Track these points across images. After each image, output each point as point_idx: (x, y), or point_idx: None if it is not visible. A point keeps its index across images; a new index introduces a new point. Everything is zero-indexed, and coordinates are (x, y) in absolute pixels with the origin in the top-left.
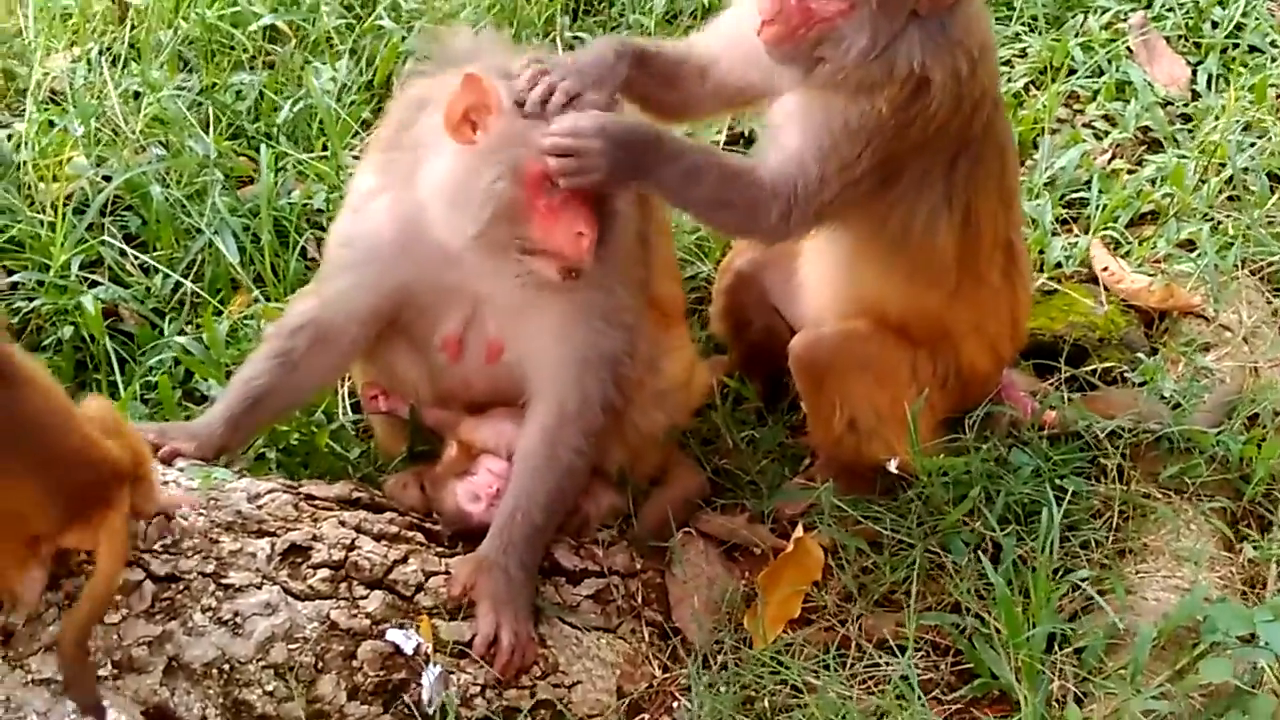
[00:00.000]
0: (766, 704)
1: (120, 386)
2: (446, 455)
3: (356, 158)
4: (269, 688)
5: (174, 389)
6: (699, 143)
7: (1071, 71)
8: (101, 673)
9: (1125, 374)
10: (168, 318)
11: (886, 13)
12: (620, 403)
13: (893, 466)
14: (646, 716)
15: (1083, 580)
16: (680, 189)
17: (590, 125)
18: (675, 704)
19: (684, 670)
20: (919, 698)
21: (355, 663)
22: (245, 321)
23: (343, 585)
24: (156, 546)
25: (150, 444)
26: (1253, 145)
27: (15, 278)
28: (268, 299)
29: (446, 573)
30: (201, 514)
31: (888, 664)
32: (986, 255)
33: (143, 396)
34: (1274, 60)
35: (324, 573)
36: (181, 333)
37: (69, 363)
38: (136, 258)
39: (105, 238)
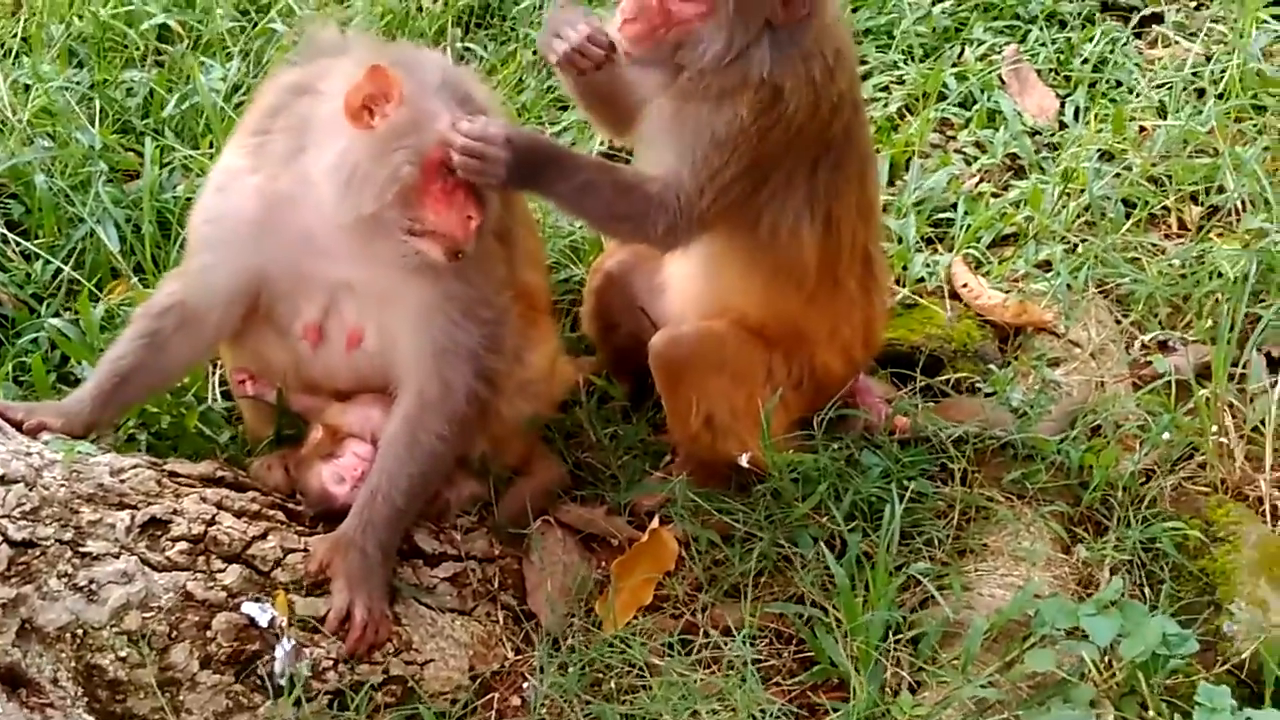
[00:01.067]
0: (614, 685)
1: None
2: (312, 438)
3: None
4: (122, 653)
5: (49, 372)
6: (595, 158)
7: (944, 99)
8: None
9: (977, 384)
10: (45, 303)
11: (743, 19)
12: (485, 393)
13: (744, 461)
14: (497, 695)
15: (922, 574)
16: (575, 201)
17: (498, 133)
18: (525, 684)
19: (536, 652)
20: (758, 680)
21: (209, 633)
22: (122, 308)
23: (201, 558)
24: (15, 513)
25: (16, 420)
26: (1114, 174)
27: None
28: (146, 286)
29: (305, 550)
30: (63, 484)
31: (731, 649)
32: (845, 263)
33: (15, 378)
34: (1136, 94)
35: (182, 545)
36: (57, 315)
37: None
38: (18, 244)
39: None
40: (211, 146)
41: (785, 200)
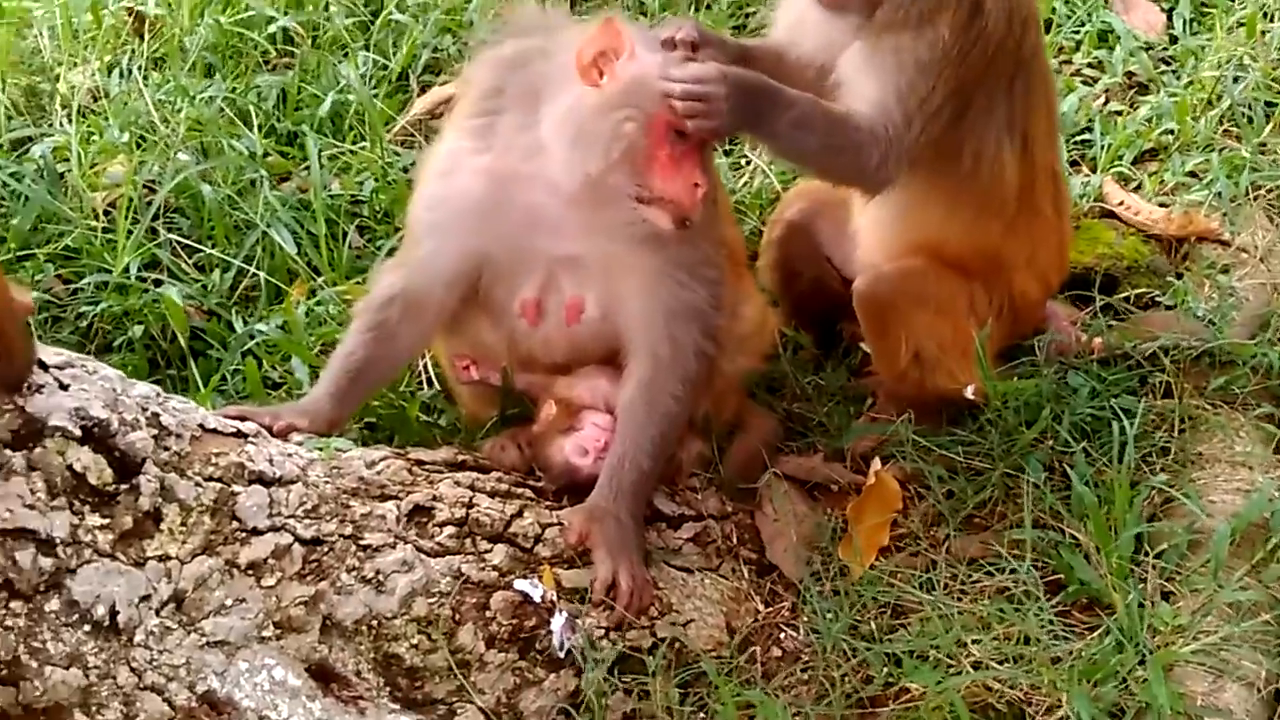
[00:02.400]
0: (872, 626)
1: (198, 379)
2: (545, 414)
3: (398, 150)
4: (414, 640)
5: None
6: (804, 93)
7: (1056, 26)
8: (265, 633)
9: (1156, 298)
10: (233, 310)
11: None
12: (712, 351)
13: (969, 393)
14: (757, 648)
15: (1160, 484)
16: (792, 137)
17: (715, 73)
18: (782, 635)
19: (785, 604)
20: (1016, 606)
21: (489, 613)
22: (316, 306)
23: (467, 541)
24: (299, 512)
25: (265, 425)
26: (1236, 80)
27: (83, 282)
28: (326, 286)
29: (560, 524)
30: (328, 481)
31: (980, 580)
32: (1041, 186)
33: (218, 388)
34: (1242, 4)
35: (449, 530)
36: (245, 322)
37: (142, 360)
38: (193, 255)
39: (159, 239)
40: (356, 141)
41: (986, 125)
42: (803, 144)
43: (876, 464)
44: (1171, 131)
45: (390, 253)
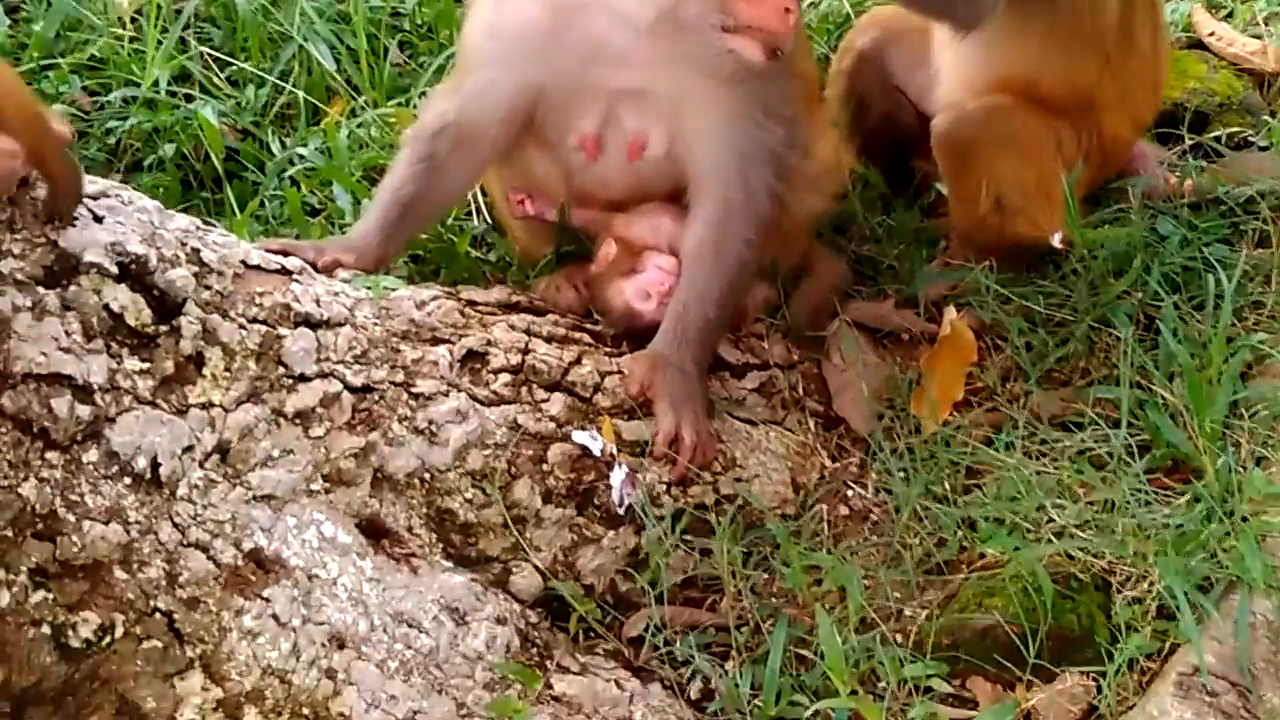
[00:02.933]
0: (947, 486)
1: (234, 204)
2: (604, 254)
3: None
4: (468, 495)
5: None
6: None
7: None
8: (314, 487)
9: (1249, 138)
10: (269, 130)
11: None
12: (785, 193)
13: (1057, 241)
14: (825, 506)
15: (1256, 344)
16: None
17: None
18: (850, 493)
19: (853, 460)
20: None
21: (546, 466)
22: (357, 129)
23: (523, 389)
24: (348, 358)
25: (309, 260)
26: None
27: (111, 95)
28: (366, 106)
29: (620, 373)
30: (377, 323)
31: (1060, 440)
32: (1140, 15)
33: (255, 214)
34: None
35: (504, 377)
36: (282, 144)
37: (174, 182)
38: (225, 69)
39: (190, 51)
40: None
41: None
42: None
43: (951, 312)
44: None
45: (437, 73)
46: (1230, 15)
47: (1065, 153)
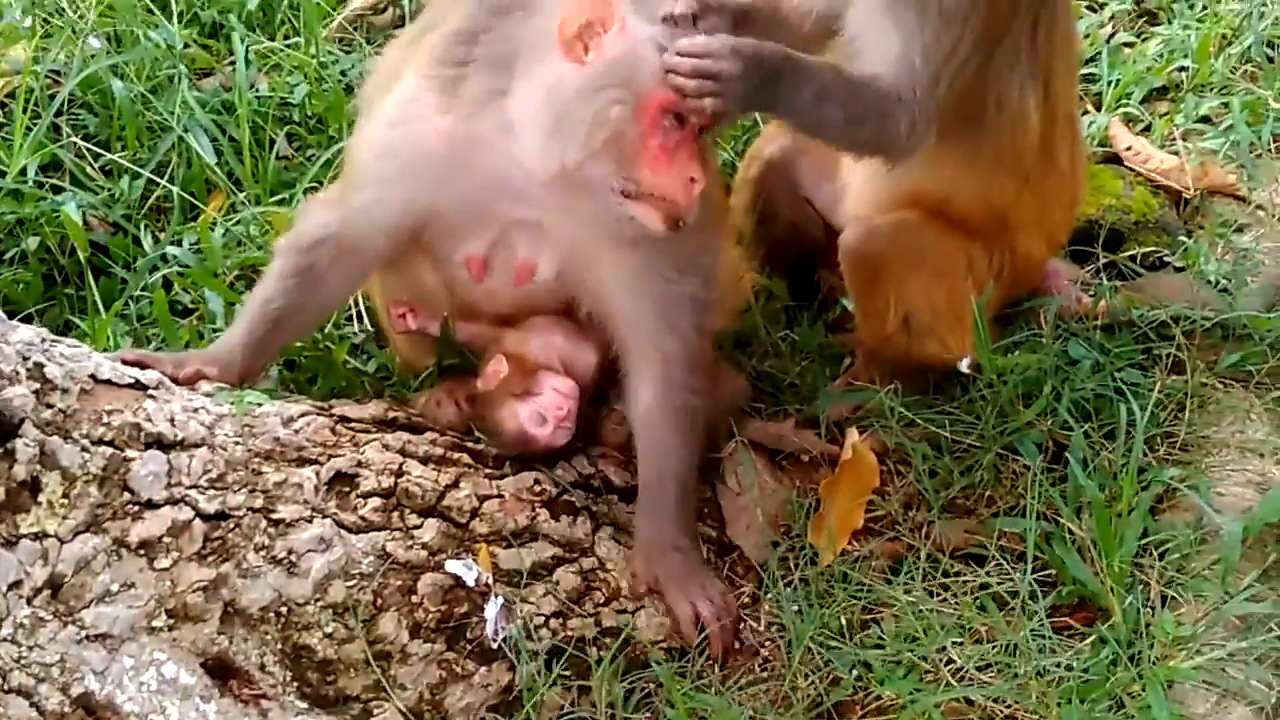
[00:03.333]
0: (843, 621)
1: (99, 302)
2: (493, 371)
3: (334, 50)
4: (329, 629)
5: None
6: (818, 58)
7: None
8: (156, 624)
9: (1164, 258)
10: (142, 225)
11: None
12: (710, 326)
13: (964, 366)
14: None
15: (1170, 478)
16: (812, 112)
17: (723, 45)
18: (741, 626)
19: (745, 590)
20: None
21: (415, 598)
22: (234, 226)
23: (395, 515)
24: (202, 481)
25: (168, 373)
26: (1260, 16)
27: None
28: (248, 202)
29: (500, 496)
30: (238, 442)
31: (963, 575)
32: (1060, 134)
33: (120, 312)
34: None
35: (374, 502)
36: (155, 238)
37: (36, 277)
38: (99, 159)
39: (62, 139)
40: (288, 37)
41: (1012, 71)
42: (824, 117)
43: (853, 434)
44: (1185, 69)
45: (325, 167)
46: (1148, 129)
47: (977, 272)
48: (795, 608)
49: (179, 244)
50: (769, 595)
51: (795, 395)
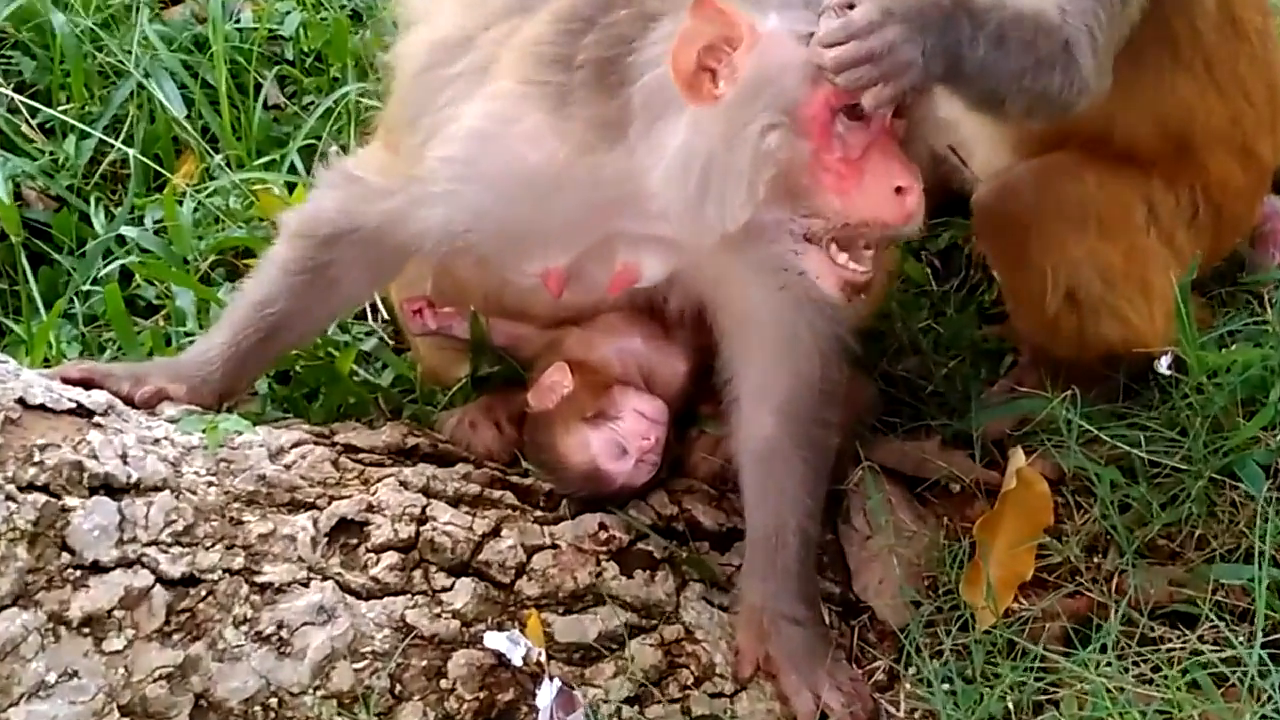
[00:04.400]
0: (1009, 705)
1: (38, 299)
2: (550, 383)
3: None
4: None
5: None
6: None
7: None
8: None
9: None
10: (92, 198)
11: None
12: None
13: (1164, 366)
14: None
15: None
16: (995, 64)
17: (877, 11)
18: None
19: (879, 664)
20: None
21: (445, 682)
22: (210, 198)
23: (417, 574)
24: (165, 536)
25: (122, 393)
26: None
27: None
28: (226, 167)
29: (554, 547)
30: (212, 482)
31: (1168, 640)
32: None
33: (65, 312)
34: None
35: (390, 558)
36: (134, 220)
37: None
38: (37, 115)
39: None
40: None
41: None
42: (1005, 70)
43: (1019, 456)
44: None
45: (324, 118)
46: None
47: (1161, 219)
48: (946, 687)
49: (139, 223)
50: (911, 671)
51: (941, 406)
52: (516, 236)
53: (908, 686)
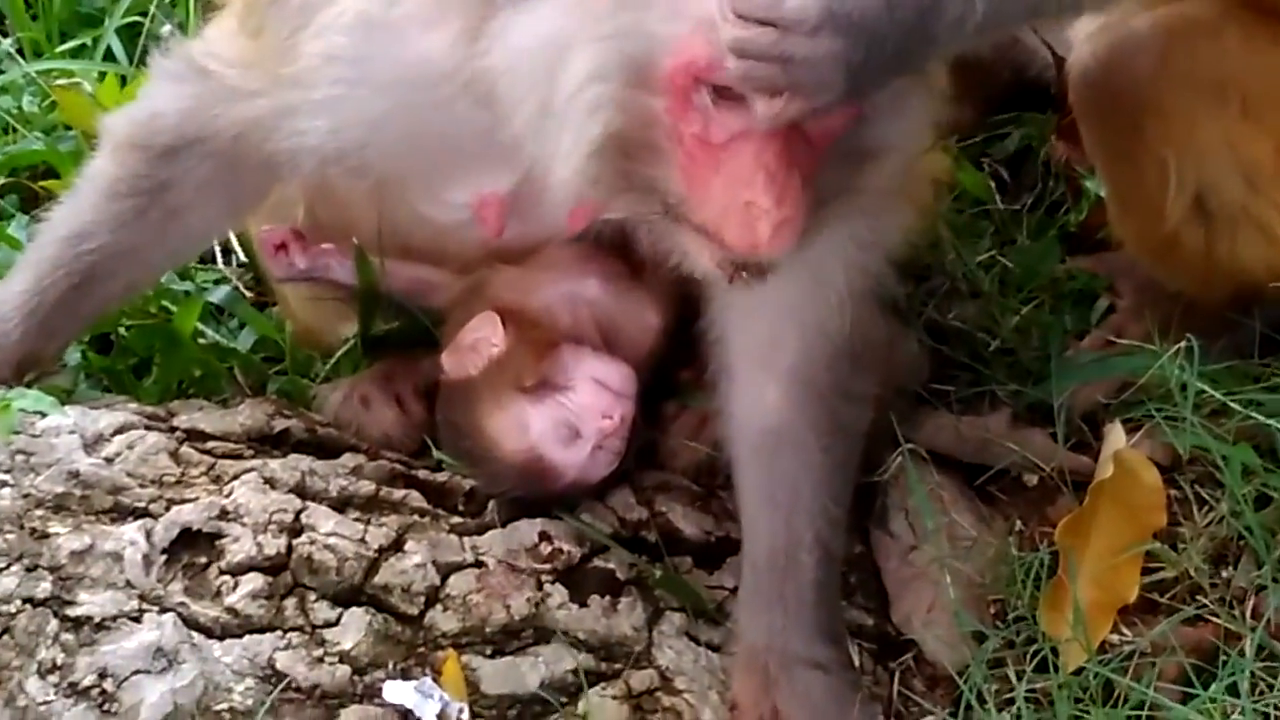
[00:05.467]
0: None
1: None
2: (475, 339)
3: None
4: None
5: None
6: None
7: None
8: None
9: None
10: None
11: None
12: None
13: None
14: None
15: None
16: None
17: (809, 9)
18: None
19: (929, 717)
20: None
21: None
22: None
23: (290, 603)
24: None
25: None
26: None
27: None
28: (18, 55)
29: (478, 564)
30: (6, 481)
31: None
32: None
33: None
34: None
35: (252, 582)
36: None
37: None
38: None
39: None
40: None
41: None
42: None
43: (1117, 435)
44: None
45: None
46: None
47: None
48: None
49: None
50: None
51: (1010, 368)
52: (428, 153)
53: None
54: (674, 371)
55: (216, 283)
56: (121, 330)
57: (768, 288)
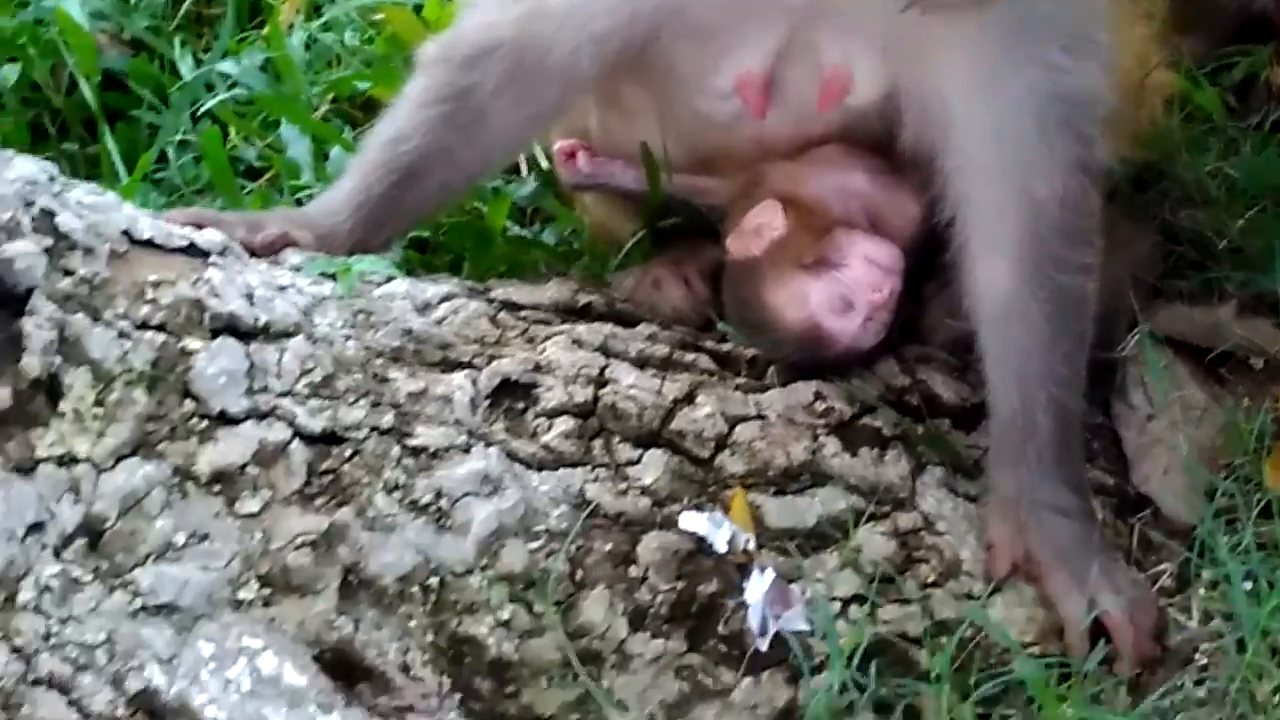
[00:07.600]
0: None
1: (116, 161)
2: (758, 225)
3: None
4: (504, 614)
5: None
6: None
7: None
8: (244, 595)
9: None
10: (177, 40)
11: None
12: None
13: None
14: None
15: None
16: None
17: None
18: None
19: (1166, 567)
20: None
21: (635, 570)
22: (323, 31)
23: (597, 443)
24: (301, 387)
25: (238, 237)
26: None
27: None
28: None
29: (761, 417)
30: (349, 334)
31: None
32: None
33: (150, 174)
34: None
35: (564, 424)
36: (196, 58)
37: (19, 126)
38: None
39: None
40: None
41: None
42: None
43: None
44: None
45: None
46: None
47: None
48: (1248, 586)
49: (233, 63)
50: (1205, 569)
51: (1236, 261)
52: (671, 10)
53: (1201, 592)
54: (934, 258)
55: (524, 184)
56: (438, 235)
57: (992, 167)
